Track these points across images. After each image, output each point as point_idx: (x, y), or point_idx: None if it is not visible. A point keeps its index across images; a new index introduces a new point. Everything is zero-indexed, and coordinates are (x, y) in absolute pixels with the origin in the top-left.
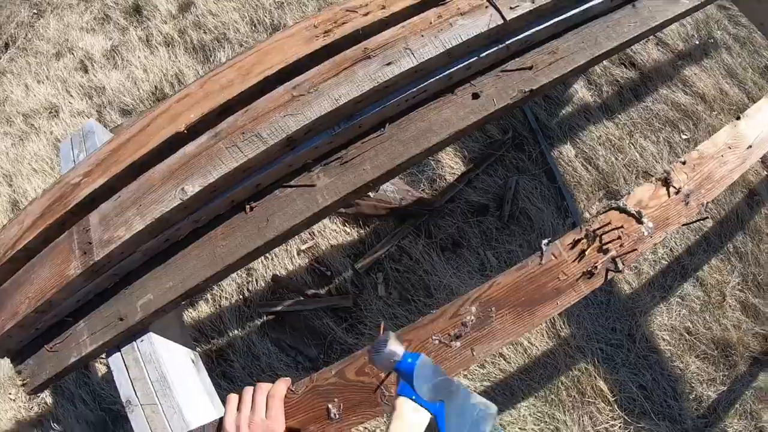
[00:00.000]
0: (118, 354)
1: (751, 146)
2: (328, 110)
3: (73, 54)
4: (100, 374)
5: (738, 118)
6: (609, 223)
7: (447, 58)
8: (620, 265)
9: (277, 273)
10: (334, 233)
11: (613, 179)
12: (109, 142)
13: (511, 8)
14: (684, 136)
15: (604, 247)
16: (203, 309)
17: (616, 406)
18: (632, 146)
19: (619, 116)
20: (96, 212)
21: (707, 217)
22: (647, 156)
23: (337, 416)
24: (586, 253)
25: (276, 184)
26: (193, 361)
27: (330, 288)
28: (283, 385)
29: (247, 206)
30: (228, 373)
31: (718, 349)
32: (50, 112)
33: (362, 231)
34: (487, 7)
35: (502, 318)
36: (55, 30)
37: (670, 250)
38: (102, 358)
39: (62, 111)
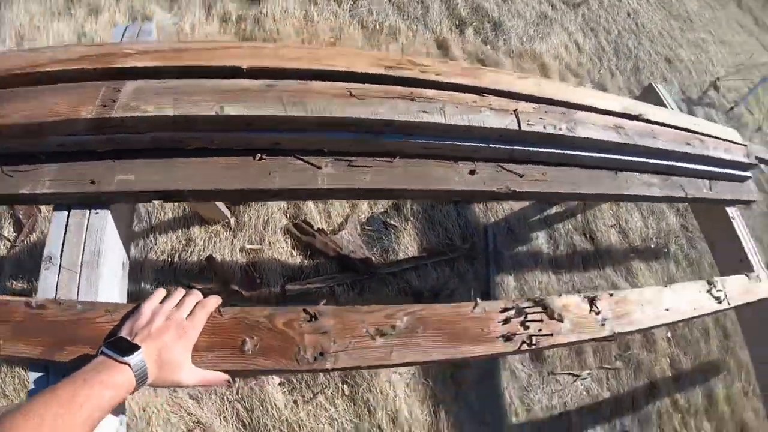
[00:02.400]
0: (66, 213)
1: (668, 309)
2: (366, 116)
3: None
4: None
5: (666, 285)
6: (536, 306)
7: (466, 132)
8: (534, 342)
9: (214, 256)
10: (280, 250)
11: None
12: (172, 42)
13: (528, 123)
14: None
15: (526, 323)
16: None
17: None
18: None
19: (564, 275)
20: (134, 83)
21: (614, 339)
22: None
23: (250, 352)
24: (511, 321)
25: (291, 152)
26: (123, 265)
27: (252, 294)
28: (214, 301)
29: (258, 155)
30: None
31: None
32: None
33: (306, 261)
34: (511, 113)
35: (425, 338)
36: None
37: None
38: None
39: None
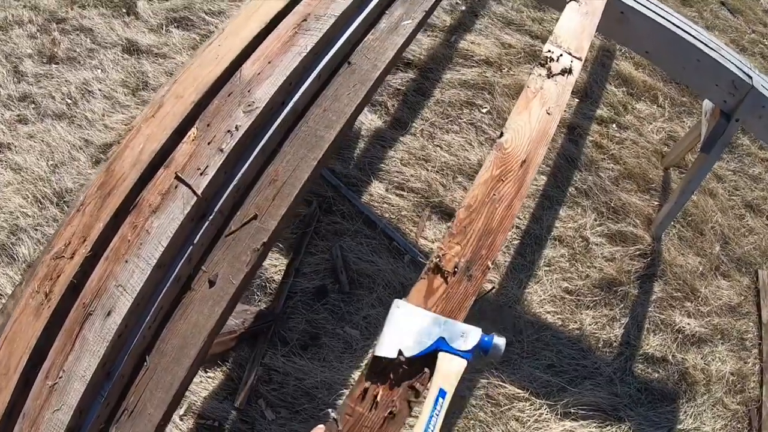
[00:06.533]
0: None
1: (524, 161)
2: (83, 390)
3: None
4: None
5: (501, 135)
6: None
7: (160, 271)
8: (420, 388)
9: None
10: (201, 385)
11: (432, 192)
12: None
13: (201, 173)
14: (484, 110)
15: None
16: None
17: (534, 398)
18: (438, 148)
19: (414, 125)
20: None
21: (494, 287)
22: (456, 150)
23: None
24: (379, 396)
25: None
26: None
27: None
28: None
29: None
30: None
31: (604, 290)
32: None
33: (225, 368)
34: (177, 186)
35: None
36: None
37: (516, 227)
38: None
39: None
